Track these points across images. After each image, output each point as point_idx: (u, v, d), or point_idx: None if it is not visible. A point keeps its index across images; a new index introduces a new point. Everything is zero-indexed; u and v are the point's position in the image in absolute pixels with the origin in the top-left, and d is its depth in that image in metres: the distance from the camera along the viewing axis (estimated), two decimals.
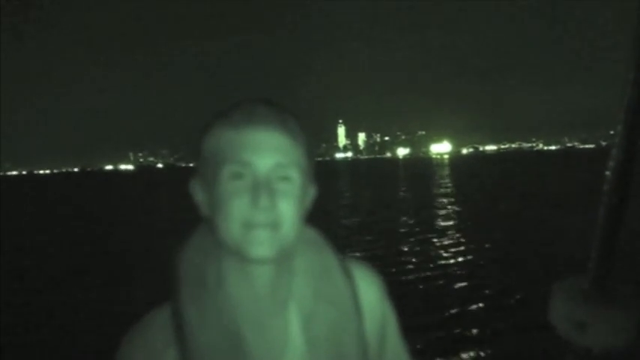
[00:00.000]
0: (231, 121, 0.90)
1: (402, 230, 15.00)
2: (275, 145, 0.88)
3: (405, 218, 17.73)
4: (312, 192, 0.99)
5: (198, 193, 0.95)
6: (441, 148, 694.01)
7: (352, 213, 20.46)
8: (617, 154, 0.60)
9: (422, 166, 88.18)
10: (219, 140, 0.90)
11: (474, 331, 6.30)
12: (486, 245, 11.83)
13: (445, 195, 25.09)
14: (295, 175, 0.89)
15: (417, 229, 14.81)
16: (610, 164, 0.61)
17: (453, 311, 7.08)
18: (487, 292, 7.95)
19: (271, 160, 0.87)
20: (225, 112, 0.93)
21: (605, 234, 0.64)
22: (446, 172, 59.98)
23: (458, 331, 6.35)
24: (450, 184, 34.57)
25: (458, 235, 13.47)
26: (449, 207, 20.19)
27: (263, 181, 0.86)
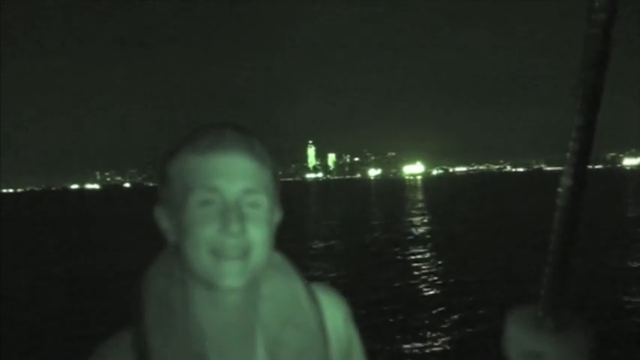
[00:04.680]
0: (198, 146, 0.88)
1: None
2: (243, 169, 0.88)
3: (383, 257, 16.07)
4: (278, 215, 0.98)
5: (163, 220, 0.93)
6: (414, 169, 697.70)
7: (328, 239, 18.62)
8: (567, 181, 0.60)
9: (395, 188, 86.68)
10: (185, 166, 0.88)
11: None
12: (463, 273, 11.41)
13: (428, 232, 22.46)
14: (264, 199, 0.89)
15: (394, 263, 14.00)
16: (560, 191, 0.61)
17: (422, 337, 7.14)
18: (456, 319, 7.96)
19: (240, 185, 0.87)
20: (191, 137, 0.91)
21: (557, 261, 0.64)
22: (419, 196, 58.48)
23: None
24: (428, 218, 32.33)
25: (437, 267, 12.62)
26: (428, 241, 17.45)
27: (232, 206, 0.85)
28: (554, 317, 0.66)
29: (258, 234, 0.87)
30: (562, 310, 0.66)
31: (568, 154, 0.60)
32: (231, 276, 0.84)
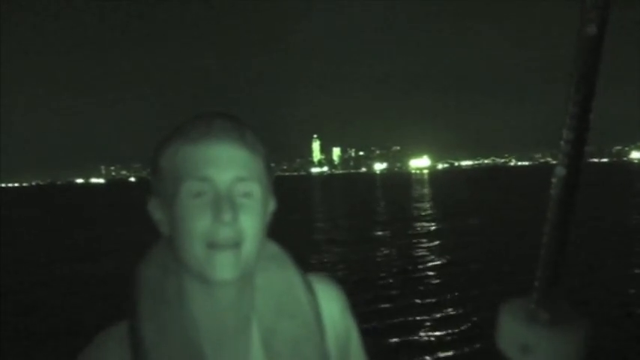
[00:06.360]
0: (189, 136, 0.88)
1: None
2: (234, 158, 0.87)
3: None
4: (272, 205, 0.98)
5: (156, 212, 0.92)
6: (420, 162, 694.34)
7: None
8: (561, 171, 0.59)
9: (404, 183, 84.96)
10: (176, 156, 0.87)
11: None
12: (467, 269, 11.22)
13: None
14: (256, 188, 0.88)
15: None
16: (554, 181, 0.60)
17: (421, 330, 7.14)
18: (459, 313, 7.86)
19: (231, 174, 0.86)
20: (182, 127, 0.90)
21: (551, 252, 0.62)
22: (426, 190, 57.42)
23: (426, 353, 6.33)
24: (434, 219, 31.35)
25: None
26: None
27: (224, 196, 0.84)
28: (547, 309, 0.65)
29: (251, 223, 0.86)
30: (556, 302, 0.65)
31: (562, 143, 0.58)
32: (224, 268, 0.83)
